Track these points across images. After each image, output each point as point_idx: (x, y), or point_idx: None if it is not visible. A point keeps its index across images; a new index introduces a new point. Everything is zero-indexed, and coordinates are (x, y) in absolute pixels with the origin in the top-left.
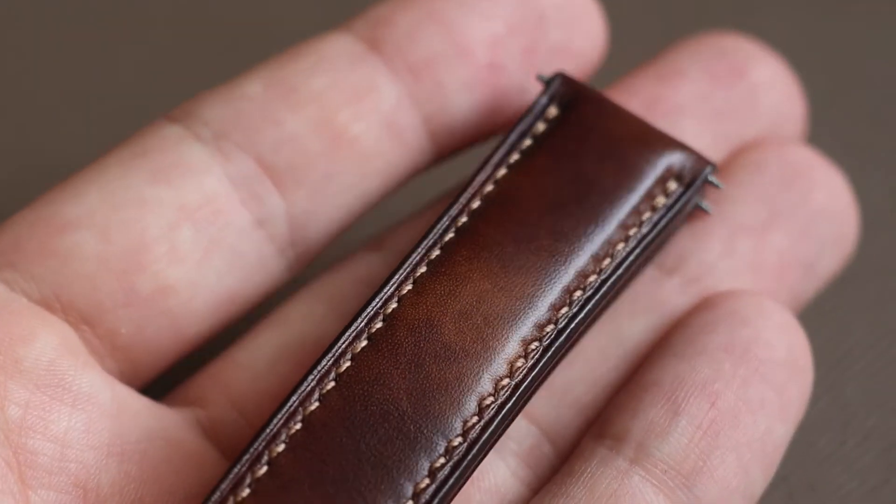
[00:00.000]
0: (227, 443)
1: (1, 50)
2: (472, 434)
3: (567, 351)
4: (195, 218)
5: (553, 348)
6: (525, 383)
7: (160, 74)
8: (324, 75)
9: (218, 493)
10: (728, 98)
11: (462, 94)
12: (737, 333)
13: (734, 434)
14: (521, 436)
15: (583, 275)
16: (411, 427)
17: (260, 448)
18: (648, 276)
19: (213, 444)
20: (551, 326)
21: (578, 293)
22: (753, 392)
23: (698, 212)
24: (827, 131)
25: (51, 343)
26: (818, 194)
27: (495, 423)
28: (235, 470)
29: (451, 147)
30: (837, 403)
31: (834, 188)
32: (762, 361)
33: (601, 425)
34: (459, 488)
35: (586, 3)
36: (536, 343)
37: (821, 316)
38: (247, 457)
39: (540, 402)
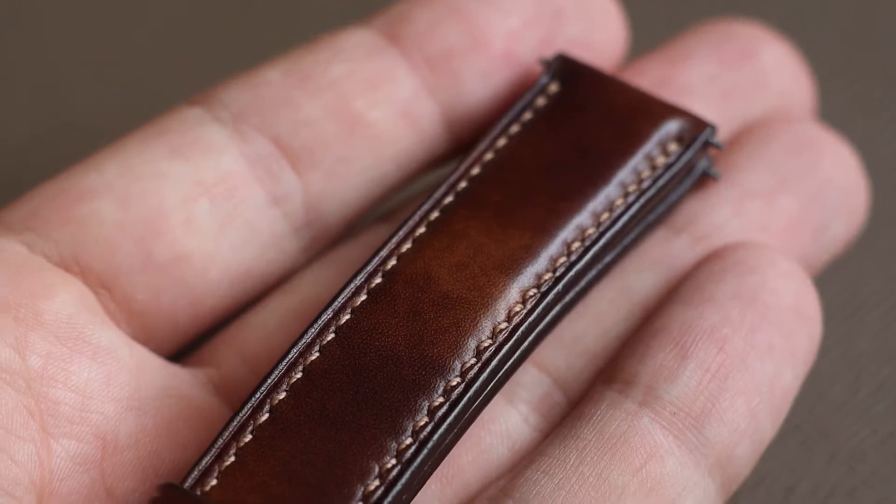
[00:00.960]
0: (239, 400)
1: (38, 31)
2: (470, 375)
3: (570, 303)
4: (212, 192)
5: (551, 294)
6: (523, 327)
7: (178, 72)
8: (341, 64)
9: (221, 441)
10: (737, 79)
11: (478, 84)
12: (744, 281)
13: (743, 378)
14: (533, 384)
15: (581, 228)
16: (409, 371)
17: (261, 396)
18: (657, 234)
19: (225, 402)
20: (549, 275)
21: (577, 244)
22: (761, 337)
23: (708, 179)
24: (840, 87)
25: (70, 299)
26: (827, 165)
27: (493, 364)
28: (238, 418)
29: (468, 137)
30: (850, 353)
31: (843, 160)
32: (770, 308)
33: (610, 370)
34: (462, 430)
35: (604, 1)
36: (535, 290)
37: (834, 267)
38: (248, 405)
39: (550, 353)
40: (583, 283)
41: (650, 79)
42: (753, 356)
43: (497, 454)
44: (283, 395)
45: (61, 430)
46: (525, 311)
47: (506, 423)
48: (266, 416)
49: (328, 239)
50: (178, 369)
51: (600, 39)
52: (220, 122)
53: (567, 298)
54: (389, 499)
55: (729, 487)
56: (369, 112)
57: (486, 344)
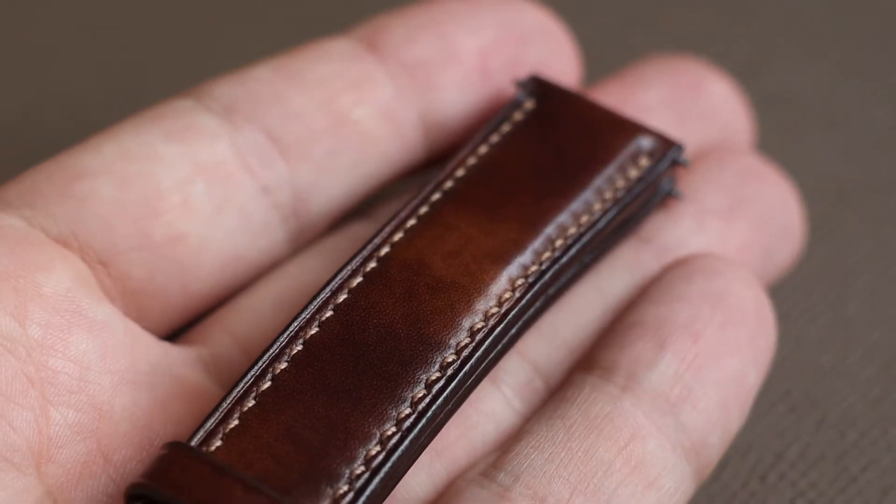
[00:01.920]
0: (230, 380)
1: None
2: (465, 353)
3: (552, 296)
4: (208, 176)
5: (538, 285)
6: (513, 312)
7: (167, 71)
8: (326, 65)
9: (225, 404)
10: (688, 106)
11: (455, 94)
12: (711, 284)
13: (715, 370)
14: (516, 371)
15: (563, 227)
16: (407, 346)
17: (264, 365)
18: (627, 243)
19: (215, 381)
20: (535, 267)
21: (560, 241)
22: (730, 335)
23: (671, 199)
24: (831, 53)
25: (67, 274)
26: (771, 195)
27: (486, 343)
28: (241, 384)
29: (444, 146)
30: (840, 320)
31: (784, 193)
32: (735, 310)
33: (589, 360)
34: (456, 405)
35: (559, 31)
36: (522, 279)
37: (823, 234)
38: (251, 373)
39: (532, 343)
40: (563, 279)
41: (608, 101)
42: (723, 352)
43: (483, 431)
44: (284, 365)
45: (61, 398)
46: (514, 299)
47: (492, 403)
48: (268, 383)
49: (313, 232)
50: (170, 347)
51: (559, 64)
52: (211, 112)
53: (550, 291)
54: (390, 464)
55: (701, 474)
56: (354, 110)
57: (478, 325)
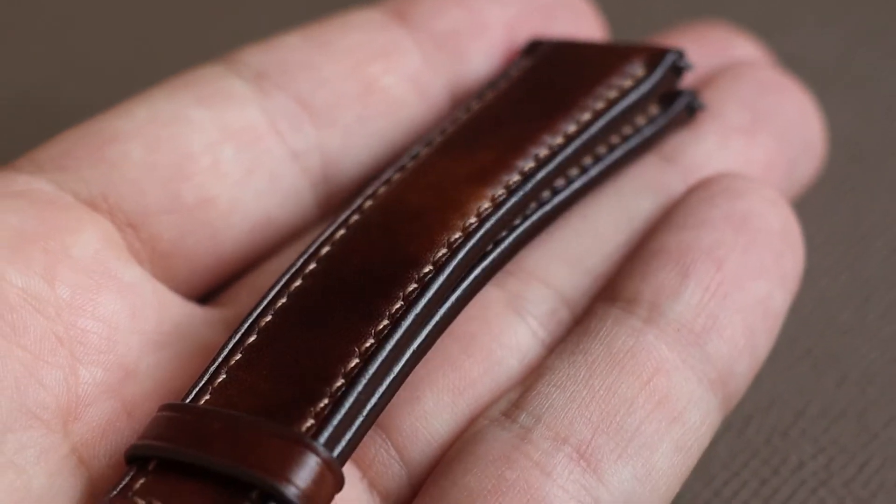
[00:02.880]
0: None
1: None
2: (441, 262)
3: (553, 211)
4: (237, 139)
5: (520, 192)
6: (491, 220)
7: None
8: (356, 34)
9: (213, 367)
10: (715, 69)
11: (482, 65)
12: (734, 206)
13: (740, 296)
14: (540, 300)
15: (549, 144)
16: (383, 271)
17: (249, 322)
18: (650, 163)
19: None
20: (518, 177)
21: (545, 152)
22: (754, 258)
23: (696, 112)
24: (846, 17)
25: (96, 236)
26: (791, 107)
27: (464, 251)
28: (229, 343)
29: None
30: (859, 278)
31: (805, 104)
32: (760, 231)
33: (612, 290)
34: (443, 322)
35: (583, 2)
36: (503, 190)
37: (842, 193)
38: (238, 331)
39: (557, 270)
40: (564, 193)
41: None
42: (748, 276)
43: (508, 366)
44: (269, 318)
45: (90, 357)
46: (493, 207)
47: (516, 336)
48: (254, 337)
49: (341, 198)
50: (196, 308)
51: (584, 35)
52: (242, 77)
53: (548, 207)
54: (370, 373)
55: (728, 403)
56: (383, 77)
57: (456, 237)
